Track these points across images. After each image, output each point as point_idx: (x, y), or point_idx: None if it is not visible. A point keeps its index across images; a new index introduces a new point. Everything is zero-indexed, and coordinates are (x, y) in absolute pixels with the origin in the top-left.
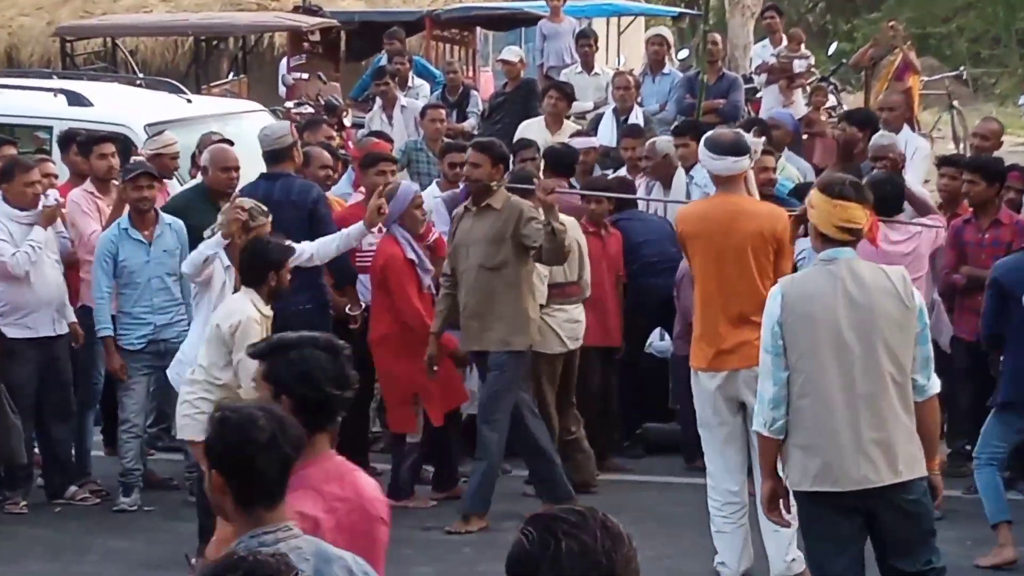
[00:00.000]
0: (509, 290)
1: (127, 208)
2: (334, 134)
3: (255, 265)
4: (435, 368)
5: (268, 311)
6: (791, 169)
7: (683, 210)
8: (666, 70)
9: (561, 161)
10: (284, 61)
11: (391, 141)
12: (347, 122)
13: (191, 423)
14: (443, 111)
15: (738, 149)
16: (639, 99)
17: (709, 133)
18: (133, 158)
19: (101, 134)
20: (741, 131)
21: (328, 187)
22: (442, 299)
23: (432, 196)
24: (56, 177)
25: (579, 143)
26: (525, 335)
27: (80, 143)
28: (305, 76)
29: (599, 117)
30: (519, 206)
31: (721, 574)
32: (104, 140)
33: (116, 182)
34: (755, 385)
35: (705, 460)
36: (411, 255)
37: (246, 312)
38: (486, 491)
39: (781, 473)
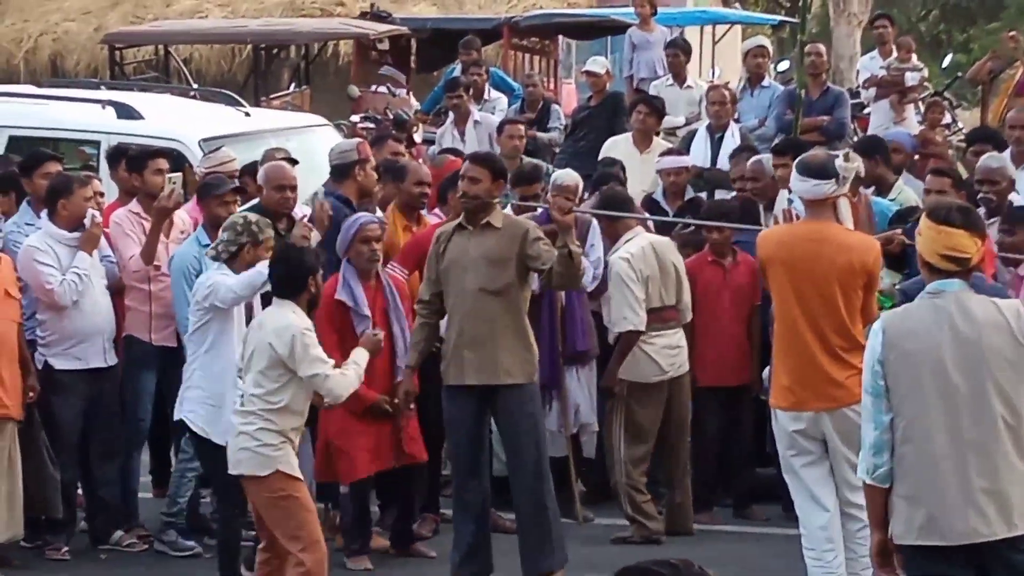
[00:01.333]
0: (513, 316)
1: (196, 223)
2: (402, 149)
3: (294, 274)
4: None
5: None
6: (908, 193)
7: (764, 234)
8: (765, 83)
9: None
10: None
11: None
12: (417, 138)
13: (252, 456)
14: (522, 127)
15: (823, 172)
16: (736, 115)
17: (804, 155)
18: (197, 173)
19: (154, 149)
20: (836, 153)
21: (423, 205)
22: (419, 329)
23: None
24: (102, 196)
25: (669, 162)
26: (534, 365)
27: (131, 158)
28: (373, 88)
29: (692, 134)
30: (523, 224)
31: None
32: (159, 155)
33: (168, 196)
34: (844, 429)
35: (796, 508)
36: (342, 296)
37: (297, 324)
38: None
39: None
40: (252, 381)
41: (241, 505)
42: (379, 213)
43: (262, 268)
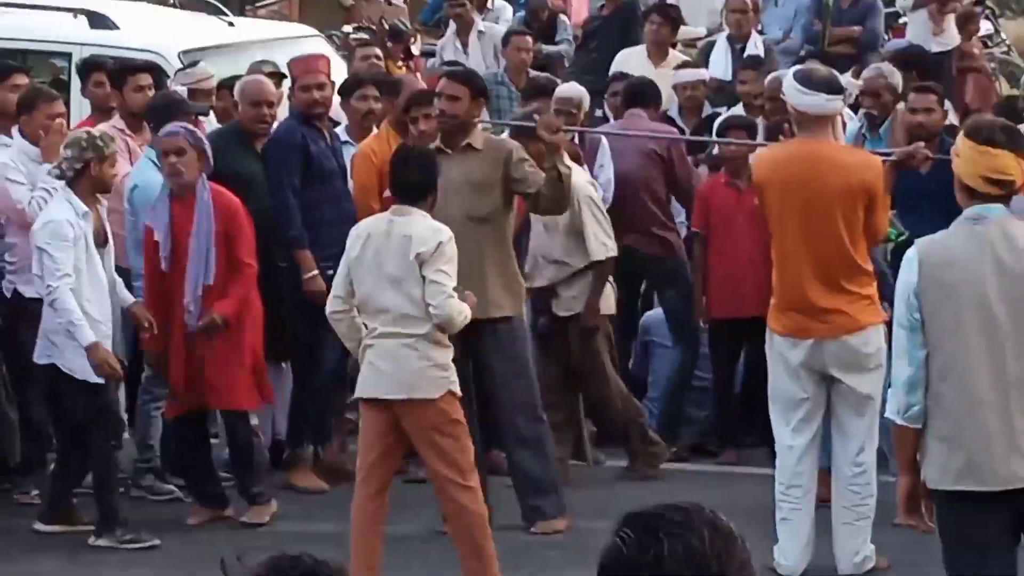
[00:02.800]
0: (500, 244)
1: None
2: (378, 53)
3: (428, 176)
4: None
5: None
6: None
7: (759, 154)
8: None
9: (641, 97)
10: None
11: None
12: (415, 50)
13: (420, 378)
14: (529, 39)
15: (832, 86)
16: (759, 25)
17: (799, 66)
18: (174, 88)
19: (136, 63)
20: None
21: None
22: None
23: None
24: (64, 116)
25: (685, 76)
26: (521, 298)
27: (113, 72)
28: None
29: (711, 45)
30: (506, 145)
31: (779, 572)
32: (141, 70)
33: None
34: (845, 357)
35: (775, 435)
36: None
37: (443, 230)
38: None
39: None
40: (404, 297)
41: (119, 437)
42: (374, 130)
43: (78, 325)
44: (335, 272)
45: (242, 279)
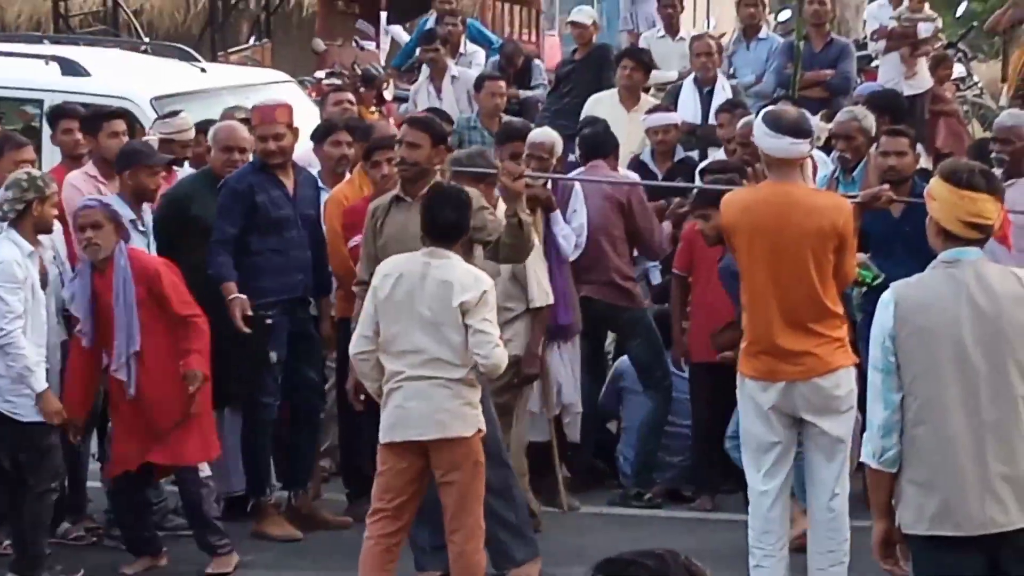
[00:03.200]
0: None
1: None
2: (350, 98)
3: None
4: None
5: None
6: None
7: (728, 198)
8: (763, 35)
9: (596, 147)
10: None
11: (444, 117)
12: (388, 95)
13: (455, 417)
14: (502, 83)
15: (799, 130)
16: (731, 69)
17: (769, 107)
18: (146, 138)
19: (110, 109)
20: (806, 112)
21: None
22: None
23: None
24: (33, 163)
25: (656, 120)
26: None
27: (85, 119)
28: (339, 42)
29: (678, 89)
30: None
31: None
32: (115, 116)
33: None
34: (816, 400)
35: (747, 480)
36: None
37: (485, 278)
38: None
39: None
40: (440, 342)
41: (58, 480)
42: (347, 176)
43: (33, 371)
44: (274, 321)
45: (195, 330)
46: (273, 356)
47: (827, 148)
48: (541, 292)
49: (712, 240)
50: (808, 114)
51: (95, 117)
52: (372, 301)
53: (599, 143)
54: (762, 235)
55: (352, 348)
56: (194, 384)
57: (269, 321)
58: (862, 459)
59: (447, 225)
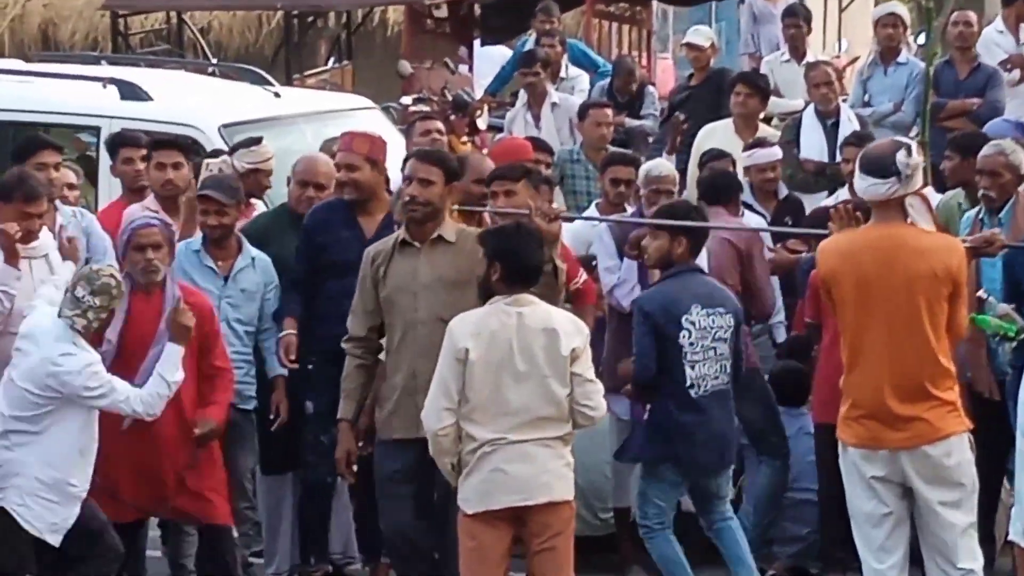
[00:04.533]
0: None
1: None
2: (439, 126)
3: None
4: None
5: None
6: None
7: (825, 245)
8: (903, 59)
9: (717, 193)
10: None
11: (544, 147)
12: (481, 124)
13: (559, 479)
14: (609, 111)
15: (880, 169)
16: (867, 96)
17: (869, 145)
18: (207, 169)
19: (166, 138)
20: (902, 141)
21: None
22: (352, 374)
23: (591, 224)
24: (75, 188)
25: (758, 156)
26: None
27: (154, 144)
28: (428, 64)
29: (798, 121)
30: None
31: None
32: (165, 146)
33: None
34: (925, 471)
35: (861, 560)
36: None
37: (580, 321)
38: None
39: None
40: (541, 397)
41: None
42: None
43: (171, 375)
44: (314, 369)
45: (223, 383)
46: (308, 407)
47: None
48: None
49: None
50: (910, 149)
51: (152, 145)
52: (456, 367)
53: (720, 187)
54: (869, 283)
55: (434, 423)
56: (203, 429)
57: (310, 367)
58: (1011, 537)
59: (535, 267)
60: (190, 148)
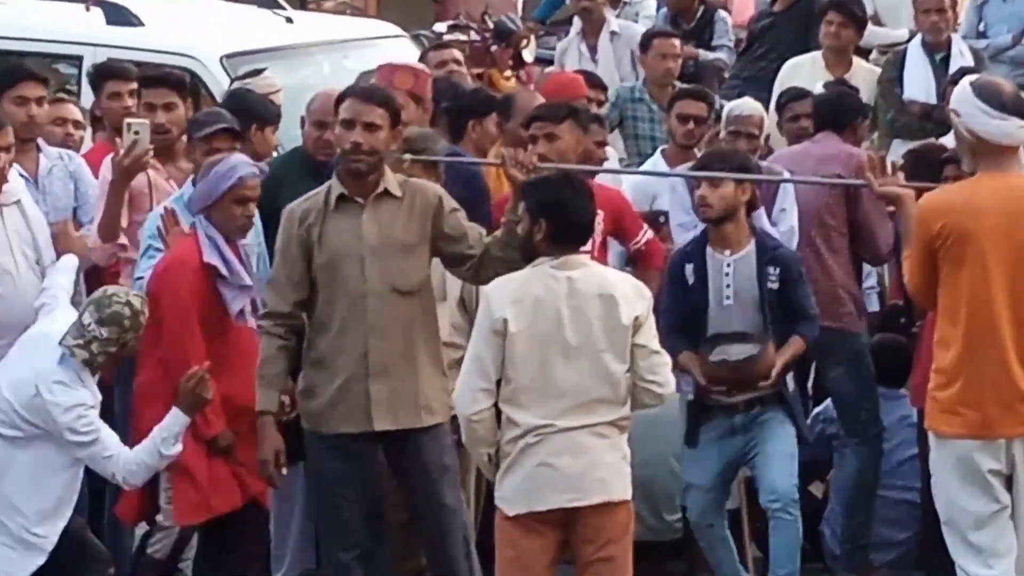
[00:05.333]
0: (430, 327)
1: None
2: (457, 56)
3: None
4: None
5: None
6: None
7: (932, 199)
8: None
9: (835, 115)
10: None
11: (597, 84)
12: (528, 56)
13: (617, 475)
14: (676, 41)
15: (1020, 109)
16: (982, 25)
17: (975, 78)
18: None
19: (157, 73)
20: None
21: None
22: (273, 357)
23: (656, 169)
24: (80, 127)
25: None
26: (449, 394)
27: (143, 80)
28: None
29: (901, 56)
30: (431, 190)
31: None
32: (156, 83)
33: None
34: None
35: (963, 570)
36: (212, 259)
37: (642, 285)
38: None
39: None
40: (596, 375)
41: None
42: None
43: (167, 448)
44: None
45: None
46: None
47: None
48: None
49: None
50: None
51: (146, 80)
52: (493, 340)
53: (842, 109)
54: (991, 241)
55: (467, 406)
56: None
57: None
58: None
59: (587, 224)
60: (185, 85)
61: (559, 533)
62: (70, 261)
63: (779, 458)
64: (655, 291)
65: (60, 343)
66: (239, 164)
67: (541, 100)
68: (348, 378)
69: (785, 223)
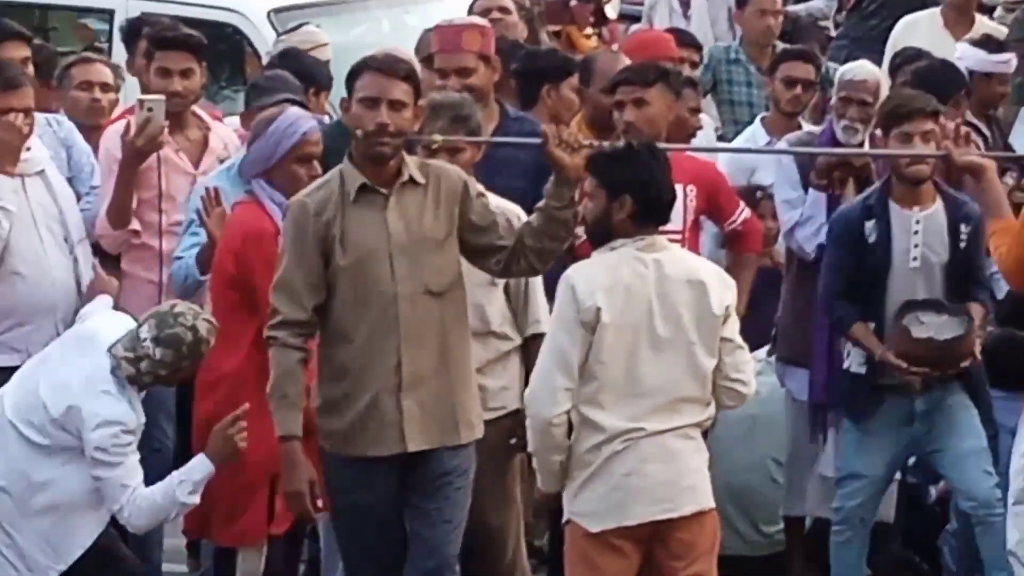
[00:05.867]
0: (462, 332)
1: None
2: (507, 15)
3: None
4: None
5: None
6: None
7: None
8: None
9: (936, 88)
10: None
11: (690, 43)
12: (611, 11)
13: (702, 483)
14: None
15: None
16: None
17: None
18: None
19: (172, 34)
20: None
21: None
22: (292, 372)
23: (754, 140)
24: (109, 89)
25: (981, 61)
26: (480, 411)
27: (160, 41)
28: None
29: None
30: (454, 172)
31: None
32: (171, 45)
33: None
34: None
35: None
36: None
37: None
38: None
39: None
40: (684, 370)
41: None
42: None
43: (185, 495)
44: None
45: None
46: None
47: None
48: (546, 311)
49: None
50: None
51: (158, 40)
52: (580, 334)
53: (938, 82)
54: None
55: (548, 408)
56: None
57: None
58: None
59: (672, 200)
60: (205, 48)
61: (643, 549)
62: (104, 302)
63: (973, 457)
64: (752, 278)
65: (108, 350)
66: (299, 119)
67: (626, 62)
68: (378, 393)
69: None
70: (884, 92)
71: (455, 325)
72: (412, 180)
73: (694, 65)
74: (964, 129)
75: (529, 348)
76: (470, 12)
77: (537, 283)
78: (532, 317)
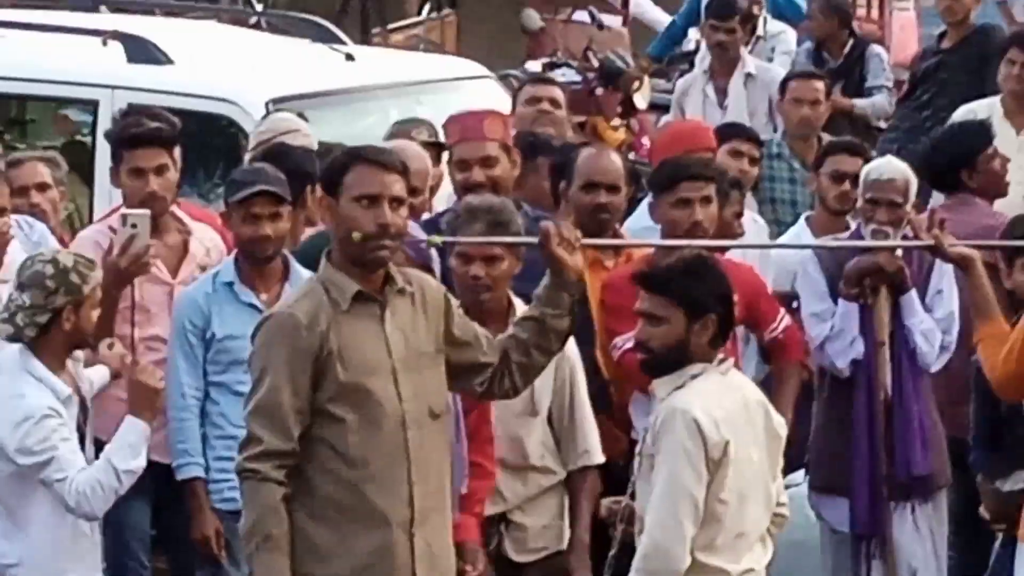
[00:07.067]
0: (448, 460)
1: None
2: (557, 96)
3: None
4: None
5: None
6: None
7: None
8: None
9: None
10: None
11: (751, 138)
12: (640, 101)
13: None
14: (818, 84)
15: None
16: None
17: None
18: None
19: (142, 131)
20: None
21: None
22: (276, 510)
23: (799, 241)
24: (45, 188)
25: None
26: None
27: (128, 140)
28: (564, 15)
29: None
30: (432, 282)
31: None
32: (143, 143)
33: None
34: None
35: None
36: None
37: None
38: None
39: None
40: (763, 498)
41: None
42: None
43: (123, 461)
44: None
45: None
46: None
47: None
48: (596, 440)
49: None
50: None
51: (133, 139)
52: (705, 473)
53: (958, 153)
54: None
55: (681, 561)
56: None
57: None
58: None
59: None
60: (176, 142)
61: None
62: (102, 372)
63: None
64: (795, 392)
65: None
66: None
67: (612, 158)
68: (391, 531)
69: (942, 308)
70: (912, 192)
71: (447, 453)
72: (403, 289)
73: (754, 161)
74: (939, 217)
75: (575, 481)
76: (514, 102)
77: (586, 409)
78: (581, 448)
